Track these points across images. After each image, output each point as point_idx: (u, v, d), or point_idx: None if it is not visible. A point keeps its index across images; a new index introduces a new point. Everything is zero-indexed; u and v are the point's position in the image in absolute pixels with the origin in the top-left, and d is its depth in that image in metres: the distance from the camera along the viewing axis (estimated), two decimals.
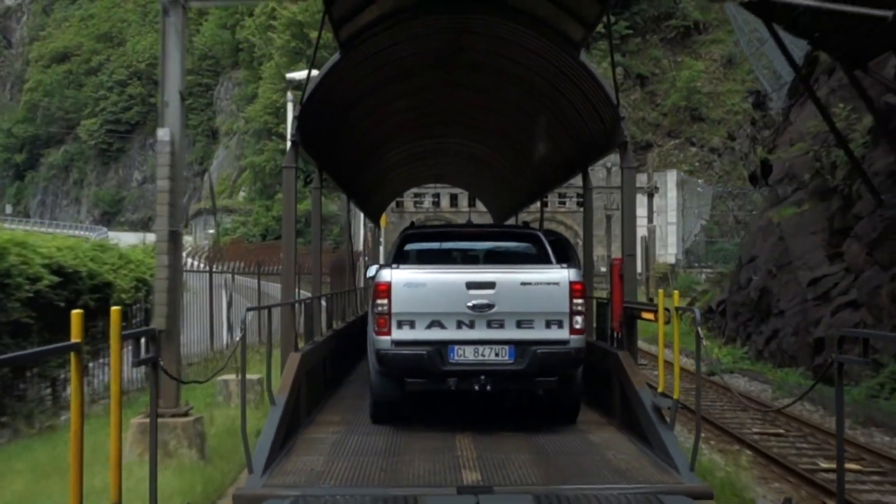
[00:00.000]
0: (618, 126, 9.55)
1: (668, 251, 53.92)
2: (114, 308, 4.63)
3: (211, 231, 58.58)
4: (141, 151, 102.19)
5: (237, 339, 6.89)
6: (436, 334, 8.07)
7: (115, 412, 4.42)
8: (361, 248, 31.41)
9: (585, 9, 8.87)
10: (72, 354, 3.99)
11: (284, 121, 56.39)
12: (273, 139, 61.86)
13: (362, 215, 25.58)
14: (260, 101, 66.87)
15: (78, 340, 4.00)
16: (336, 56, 9.48)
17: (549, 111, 11.60)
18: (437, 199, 52.72)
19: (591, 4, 8.72)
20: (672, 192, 54.77)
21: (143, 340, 5.23)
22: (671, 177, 54.34)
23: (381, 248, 30.57)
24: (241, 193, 72.26)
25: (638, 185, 47.00)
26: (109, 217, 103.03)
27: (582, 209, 46.74)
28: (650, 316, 8.40)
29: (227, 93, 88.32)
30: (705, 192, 56.35)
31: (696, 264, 52.05)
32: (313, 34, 57.21)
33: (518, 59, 10.60)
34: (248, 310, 7.89)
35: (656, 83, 61.19)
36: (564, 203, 51.91)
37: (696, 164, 57.85)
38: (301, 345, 9.71)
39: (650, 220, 45.68)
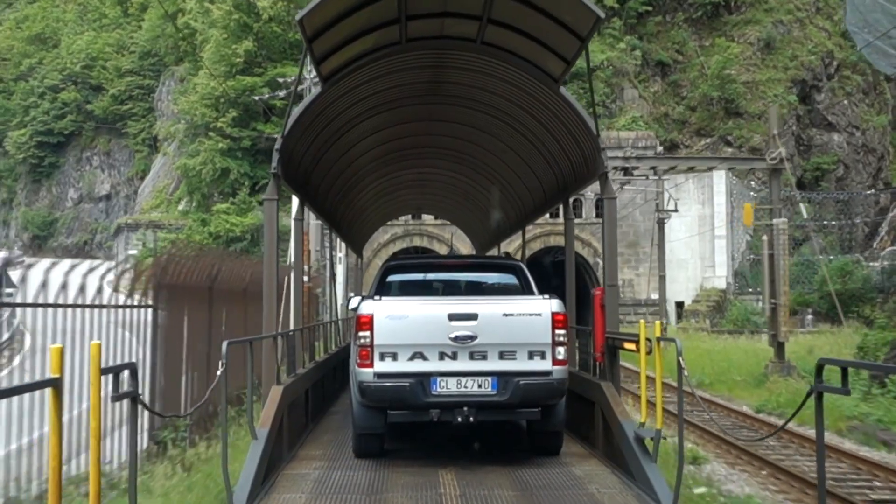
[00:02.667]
0: (598, 156, 9.66)
1: (717, 273, 44.74)
2: (93, 343, 4.59)
3: (133, 252, 51.16)
4: (77, 166, 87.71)
5: (218, 372, 6.84)
6: (418, 366, 8.04)
7: (94, 448, 4.36)
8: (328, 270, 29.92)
9: (564, 45, 8.99)
10: (50, 390, 3.94)
11: (225, 113, 50.90)
12: (211, 136, 51.19)
13: (313, 229, 25.21)
14: (197, 90, 54.28)
15: (57, 375, 3.96)
16: (317, 90, 9.54)
17: (529, 142, 11.70)
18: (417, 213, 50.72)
19: (569, 41, 8.84)
20: (720, 198, 44.55)
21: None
22: (719, 179, 44.16)
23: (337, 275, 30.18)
24: (181, 205, 58.82)
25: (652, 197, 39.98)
26: (41, 241, 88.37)
27: (601, 220, 44.64)
28: (632, 346, 8.43)
29: (170, 92, 71.27)
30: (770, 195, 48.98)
31: (749, 290, 43.83)
32: (261, 3, 50.72)
33: (498, 92, 10.72)
34: (229, 343, 7.83)
35: (680, 71, 52.52)
36: (580, 212, 44.57)
37: (733, 167, 49.73)
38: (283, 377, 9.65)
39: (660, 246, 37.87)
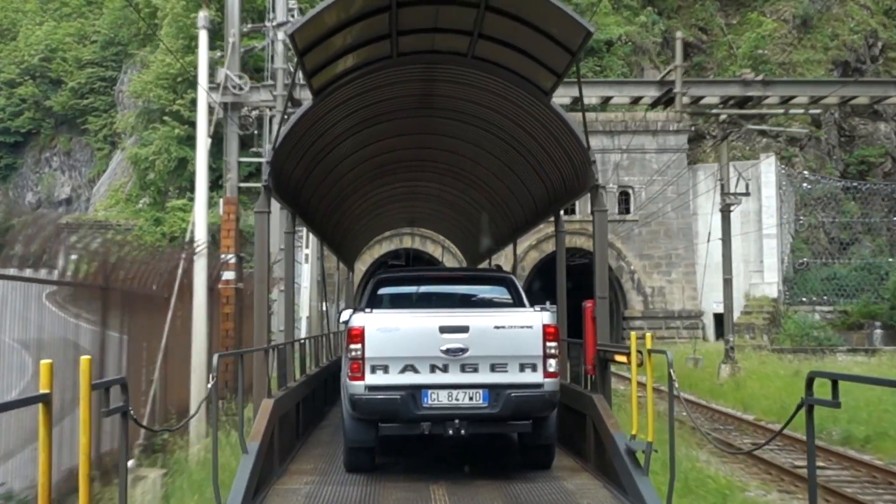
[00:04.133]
0: (589, 169, 9.70)
1: (766, 278, 38.95)
2: (84, 357, 4.57)
3: (75, 257, 43.40)
4: (35, 168, 79.98)
5: (209, 385, 6.81)
6: (409, 378, 8.03)
7: (84, 464, 4.34)
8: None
9: (555, 59, 9.04)
10: (41, 406, 3.92)
11: (183, 94, 42.70)
12: (166, 121, 44.05)
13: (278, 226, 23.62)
14: (151, 68, 47.01)
15: (47, 391, 3.94)
16: (309, 102, 9.56)
17: (520, 155, 11.74)
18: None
19: (560, 55, 8.89)
20: (769, 190, 38.60)
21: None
22: (768, 167, 38.22)
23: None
24: (140, 204, 51.22)
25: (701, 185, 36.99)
26: None
27: (626, 217, 39.38)
28: (623, 359, 8.45)
29: (130, 81, 59.49)
30: (814, 191, 41.37)
31: (804, 299, 38.21)
32: None
33: (489, 105, 10.76)
34: (220, 356, 7.81)
35: (705, 52, 46.98)
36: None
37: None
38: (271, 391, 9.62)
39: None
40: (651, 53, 46.04)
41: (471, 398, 8.08)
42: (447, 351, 8.01)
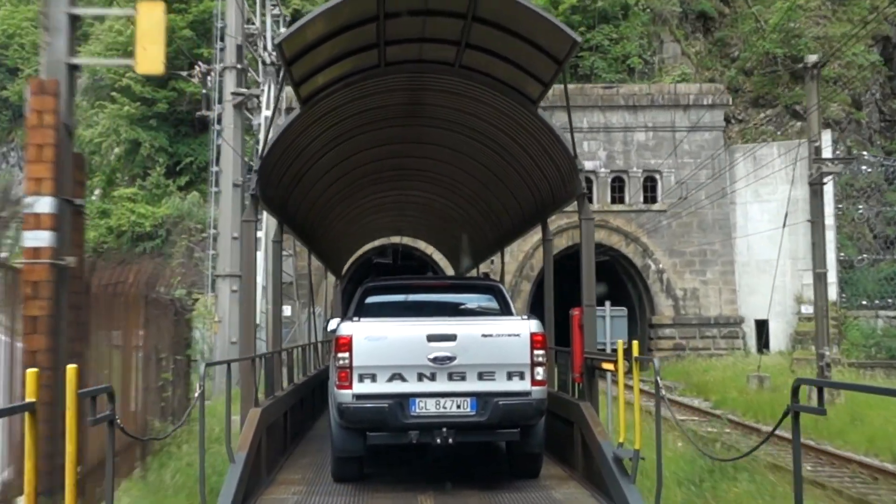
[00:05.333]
0: (575, 177, 9.74)
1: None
2: (70, 366, 4.55)
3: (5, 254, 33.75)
4: None
5: (196, 394, 6.79)
6: (397, 387, 8.03)
7: (71, 472, 4.32)
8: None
9: (542, 68, 9.10)
10: (27, 415, 3.90)
11: (132, 68, 39.30)
12: (117, 97, 38.24)
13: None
14: (101, 38, 40.43)
15: (33, 399, 3.92)
16: (296, 111, 9.57)
17: (507, 163, 11.78)
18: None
19: (547, 64, 8.95)
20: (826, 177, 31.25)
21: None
22: (824, 144, 30.13)
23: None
24: (95, 195, 42.14)
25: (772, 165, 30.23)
26: None
27: (652, 206, 34.16)
28: (610, 366, 8.48)
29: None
30: (857, 180, 35.05)
31: (865, 302, 32.42)
32: None
33: (476, 114, 10.80)
34: (208, 364, 7.79)
35: (728, 27, 40.92)
36: (622, 196, 34.08)
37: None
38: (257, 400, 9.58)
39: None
40: (672, 24, 40.14)
41: (458, 406, 8.08)
42: (435, 359, 8.01)
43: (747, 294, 33.06)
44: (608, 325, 15.33)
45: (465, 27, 8.70)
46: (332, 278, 24.85)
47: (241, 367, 9.18)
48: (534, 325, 8.33)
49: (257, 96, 21.77)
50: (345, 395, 8.05)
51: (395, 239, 30.95)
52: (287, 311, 21.04)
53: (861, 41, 37.47)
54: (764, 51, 38.04)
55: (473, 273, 20.91)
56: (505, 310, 9.61)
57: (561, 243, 31.95)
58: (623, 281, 35.68)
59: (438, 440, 8.05)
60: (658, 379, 6.99)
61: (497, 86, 9.73)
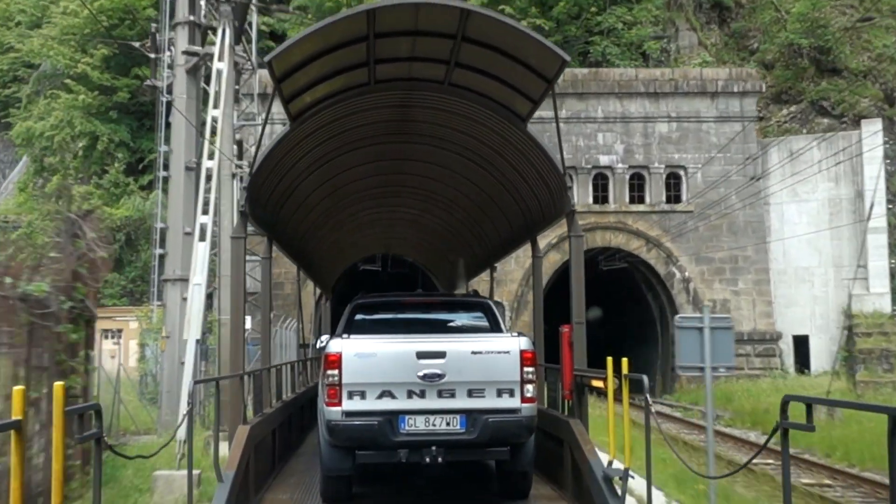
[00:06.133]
0: (565, 194, 9.77)
1: (873, 287, 28.77)
2: (57, 384, 4.52)
3: None
4: None
5: (183, 412, 6.75)
6: (386, 404, 8.00)
7: (57, 491, 4.27)
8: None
9: (531, 86, 9.16)
10: (13, 433, 3.87)
11: (92, 52, 33.61)
12: (72, 85, 34.03)
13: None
14: (55, 22, 36.31)
15: (20, 418, 3.89)
16: (286, 127, 9.59)
17: (497, 181, 11.81)
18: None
19: (536, 82, 9.01)
20: (872, 168, 28.26)
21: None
22: (872, 137, 28.60)
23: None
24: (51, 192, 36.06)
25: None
26: None
27: (676, 206, 30.69)
28: (600, 384, 8.47)
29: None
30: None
31: None
32: None
33: (466, 131, 10.84)
34: (196, 382, 7.74)
35: (745, 17, 38.11)
36: (642, 196, 30.79)
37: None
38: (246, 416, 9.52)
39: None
40: (688, 11, 37.63)
41: (448, 424, 8.06)
42: (424, 376, 7.99)
43: (784, 306, 29.76)
44: (707, 341, 10.03)
45: (454, 47, 8.76)
46: (311, 286, 23.04)
47: (229, 384, 9.13)
48: (523, 343, 8.33)
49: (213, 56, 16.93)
50: (334, 412, 8.01)
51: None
52: (246, 322, 17.28)
53: (891, 32, 35.19)
54: (787, 42, 34.60)
55: (463, 290, 20.89)
56: (494, 327, 9.61)
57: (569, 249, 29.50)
58: (642, 291, 32.64)
59: (428, 459, 8.01)
60: (647, 396, 6.99)
61: (486, 103, 9.78)
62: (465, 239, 16.20)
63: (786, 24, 35.73)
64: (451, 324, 10.09)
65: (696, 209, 30.10)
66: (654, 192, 30.76)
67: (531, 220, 11.80)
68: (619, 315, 35.89)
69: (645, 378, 7.23)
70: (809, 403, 5.02)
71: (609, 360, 8.01)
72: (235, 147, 18.69)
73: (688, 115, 30.96)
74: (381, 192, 14.56)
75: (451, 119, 10.58)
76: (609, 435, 7.89)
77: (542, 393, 10.57)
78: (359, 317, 9.67)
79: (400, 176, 13.56)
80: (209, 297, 17.07)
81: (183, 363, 14.85)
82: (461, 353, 8.15)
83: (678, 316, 12.36)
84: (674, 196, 31.03)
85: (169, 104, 19.46)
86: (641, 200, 30.83)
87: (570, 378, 9.25)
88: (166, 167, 19.77)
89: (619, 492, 7.58)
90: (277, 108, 26.28)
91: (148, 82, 20.46)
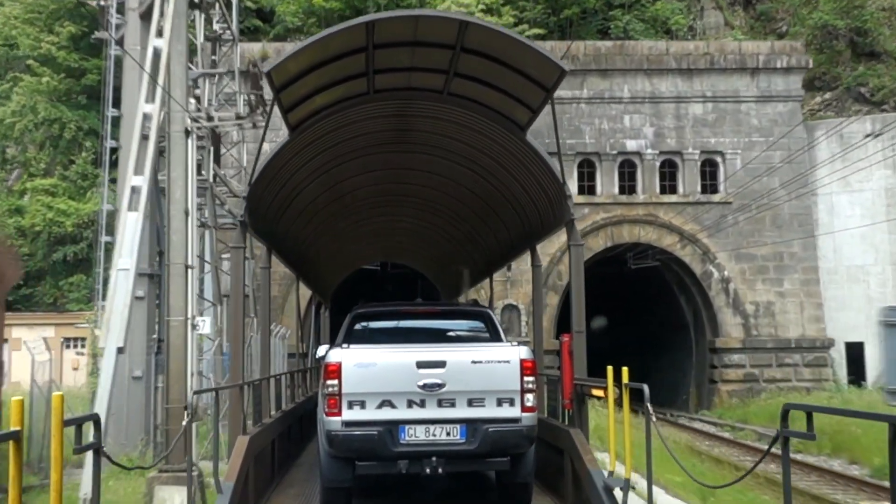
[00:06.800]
0: (564, 203, 9.78)
1: None
2: (55, 394, 4.51)
3: None
4: None
5: (184, 422, 6.73)
6: (386, 414, 7.98)
7: (56, 501, 4.26)
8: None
9: (530, 95, 9.18)
10: (11, 443, 3.86)
11: (58, 31, 30.79)
12: (35, 67, 31.07)
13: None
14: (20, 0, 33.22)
15: (18, 428, 3.88)
16: (285, 137, 9.60)
17: (496, 190, 11.83)
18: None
19: (535, 91, 9.03)
20: None
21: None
22: None
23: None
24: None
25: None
26: None
27: (713, 197, 27.24)
28: (600, 393, 8.45)
29: None
30: None
31: None
32: None
33: (465, 140, 10.86)
34: (195, 392, 7.73)
35: None
36: (674, 185, 27.89)
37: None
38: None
39: None
40: None
41: (448, 434, 8.03)
42: (424, 386, 7.97)
43: (835, 309, 26.68)
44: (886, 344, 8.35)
45: (453, 57, 8.78)
46: (303, 290, 21.37)
47: (230, 394, 9.11)
48: (524, 352, 8.32)
49: None
50: (334, 422, 7.99)
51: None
52: (204, 325, 13.82)
53: None
54: (819, 23, 31.27)
55: (462, 299, 20.86)
56: (494, 336, 9.60)
57: (596, 244, 27.18)
58: (673, 292, 29.53)
59: (428, 470, 7.99)
60: (648, 406, 6.97)
61: (485, 112, 9.80)
62: (465, 247, 16.21)
63: (817, 5, 32.52)
64: (451, 333, 10.08)
65: (735, 200, 27.28)
66: (688, 181, 27.73)
67: (530, 228, 11.81)
68: (647, 319, 33.04)
69: (645, 387, 7.21)
70: (810, 412, 5.02)
71: (609, 368, 8.00)
72: (194, 102, 16.08)
73: (725, 95, 27.98)
74: (380, 202, 14.57)
75: (451, 128, 10.59)
76: (609, 445, 7.86)
77: (543, 402, 10.55)
78: (358, 326, 9.66)
79: (399, 185, 13.57)
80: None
81: (137, 377, 13.06)
82: (461, 363, 8.14)
83: (886, 307, 9.07)
84: (710, 186, 28.12)
85: (119, 59, 17.37)
86: (673, 190, 27.86)
87: (569, 387, 9.23)
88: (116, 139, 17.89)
89: (621, 503, 7.54)
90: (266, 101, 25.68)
91: (94, 37, 18.18)
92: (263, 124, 11.65)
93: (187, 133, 12.98)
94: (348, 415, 7.96)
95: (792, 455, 18.38)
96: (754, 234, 27.37)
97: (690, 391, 28.99)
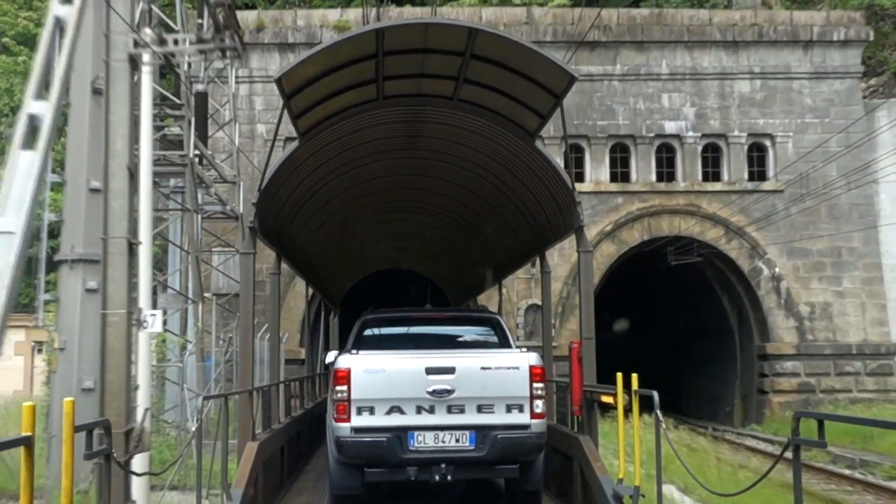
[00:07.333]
0: (574, 210, 9.77)
1: None
2: (66, 399, 4.53)
3: None
4: None
5: (193, 428, 6.74)
6: (395, 420, 7.98)
7: None
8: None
9: (539, 101, 9.19)
10: (23, 448, 3.87)
11: (37, 6, 28.14)
12: (10, 46, 29.62)
13: None
14: None
15: (30, 433, 3.89)
16: (295, 144, 9.64)
17: (505, 196, 11.83)
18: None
19: (544, 97, 9.04)
20: None
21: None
22: None
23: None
24: None
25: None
26: None
27: (762, 185, 23.99)
28: (609, 399, 8.43)
29: None
30: None
31: None
32: None
33: (474, 146, 10.87)
34: (205, 398, 7.75)
35: None
36: (717, 172, 25.33)
37: None
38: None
39: None
40: None
41: (457, 440, 8.03)
42: (433, 392, 7.97)
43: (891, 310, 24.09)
44: None
45: (462, 64, 8.80)
46: (301, 287, 20.15)
47: (239, 399, 9.12)
48: (533, 359, 8.31)
49: None
50: (343, 428, 8.00)
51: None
52: (154, 321, 10.16)
53: None
54: (864, 3, 27.91)
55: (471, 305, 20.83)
56: (504, 342, 9.59)
57: (631, 237, 24.78)
58: (715, 292, 26.81)
59: (437, 477, 7.98)
60: (658, 412, 6.95)
61: (495, 118, 9.81)
62: (474, 253, 16.21)
63: None
64: (460, 339, 10.08)
65: (786, 188, 24.64)
66: (734, 167, 25.12)
67: (540, 234, 11.80)
68: (683, 322, 30.20)
69: (655, 394, 7.18)
70: (821, 420, 5.01)
71: (619, 375, 7.97)
72: (148, 32, 9.83)
73: (775, 71, 25.28)
74: (389, 207, 14.59)
75: (460, 134, 10.61)
76: (619, 452, 7.84)
77: (552, 409, 10.53)
78: (367, 332, 9.67)
79: (409, 191, 13.59)
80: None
81: (87, 389, 10.07)
82: (470, 369, 8.13)
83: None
84: (758, 172, 25.43)
85: None
86: (717, 178, 25.23)
87: (579, 394, 9.21)
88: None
89: None
90: (262, 99, 24.73)
91: None
92: (234, 54, 10.07)
93: (133, 63, 9.45)
94: (357, 421, 7.97)
95: (885, 483, 15.65)
96: (808, 226, 24.72)
97: (735, 403, 26.26)
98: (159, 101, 16.45)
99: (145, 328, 9.94)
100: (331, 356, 9.46)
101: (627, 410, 7.83)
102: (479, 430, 8.02)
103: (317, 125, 9.50)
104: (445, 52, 8.82)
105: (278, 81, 8.18)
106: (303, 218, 11.96)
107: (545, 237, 11.63)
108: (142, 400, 9.63)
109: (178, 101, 16.18)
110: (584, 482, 8.70)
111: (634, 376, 7.70)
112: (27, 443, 3.88)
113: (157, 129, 15.65)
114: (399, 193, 13.74)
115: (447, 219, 14.95)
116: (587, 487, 8.58)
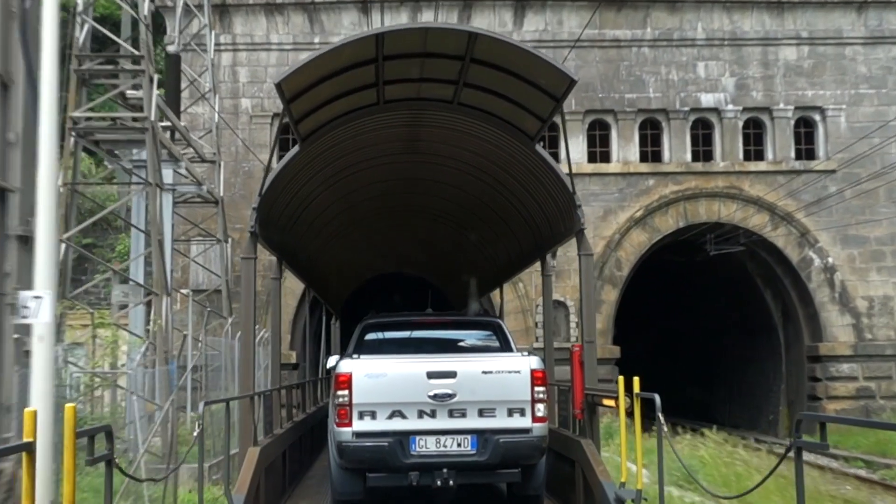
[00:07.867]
0: (574, 213, 9.78)
1: None
2: (68, 405, 4.53)
3: None
4: None
5: (195, 433, 6.74)
6: (397, 424, 7.98)
7: None
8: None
9: (539, 105, 9.20)
10: (24, 455, 3.87)
11: None
12: None
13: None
14: None
15: (31, 440, 3.89)
16: (295, 148, 9.65)
17: (506, 199, 11.84)
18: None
19: (544, 101, 9.05)
20: None
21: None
22: None
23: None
24: None
25: None
26: None
27: (811, 164, 21.04)
28: (611, 403, 8.42)
29: None
30: None
31: None
32: None
33: (474, 150, 10.88)
34: (206, 403, 7.74)
35: None
36: (761, 150, 22.79)
37: None
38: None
39: None
40: None
41: (459, 444, 8.03)
42: (435, 396, 7.97)
43: None
44: None
45: (462, 68, 8.82)
46: (291, 283, 18.93)
47: (240, 405, 9.11)
48: (534, 362, 8.31)
49: None
50: (344, 433, 7.99)
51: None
52: (40, 308, 6.67)
53: None
54: None
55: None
56: (505, 346, 9.59)
57: (665, 224, 22.39)
58: (756, 286, 24.28)
59: (439, 482, 7.97)
60: (660, 416, 6.94)
61: (495, 122, 9.83)
62: (475, 257, 16.20)
63: None
64: (462, 343, 10.08)
65: (839, 168, 22.03)
66: (780, 144, 22.47)
67: (540, 238, 11.80)
68: (718, 318, 27.52)
69: (657, 397, 7.17)
70: (823, 422, 5.00)
71: (620, 378, 7.96)
72: None
73: (825, 36, 22.59)
74: (390, 211, 14.60)
75: (460, 138, 10.62)
76: (622, 456, 7.83)
77: (554, 412, 10.52)
78: (369, 336, 9.68)
79: (409, 195, 13.60)
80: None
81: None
82: (472, 373, 8.13)
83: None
84: (806, 150, 22.87)
85: None
86: (761, 157, 22.61)
87: (580, 397, 9.20)
88: None
89: None
90: (247, 70, 22.51)
91: None
92: None
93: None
94: (359, 425, 7.97)
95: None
96: (865, 210, 22.02)
97: (780, 410, 23.78)
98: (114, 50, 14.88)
99: (25, 318, 6.76)
100: (332, 361, 9.46)
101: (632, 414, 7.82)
102: (481, 434, 8.02)
103: (317, 130, 9.51)
104: (445, 56, 8.84)
105: (278, 86, 8.20)
106: (304, 222, 11.97)
107: (546, 240, 11.63)
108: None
109: (136, 53, 14.16)
110: (587, 486, 8.69)
111: (636, 379, 7.68)
112: (29, 448, 3.88)
113: (112, 86, 14.57)
114: (400, 197, 13.75)
115: (448, 222, 14.96)
116: (589, 491, 8.57)
